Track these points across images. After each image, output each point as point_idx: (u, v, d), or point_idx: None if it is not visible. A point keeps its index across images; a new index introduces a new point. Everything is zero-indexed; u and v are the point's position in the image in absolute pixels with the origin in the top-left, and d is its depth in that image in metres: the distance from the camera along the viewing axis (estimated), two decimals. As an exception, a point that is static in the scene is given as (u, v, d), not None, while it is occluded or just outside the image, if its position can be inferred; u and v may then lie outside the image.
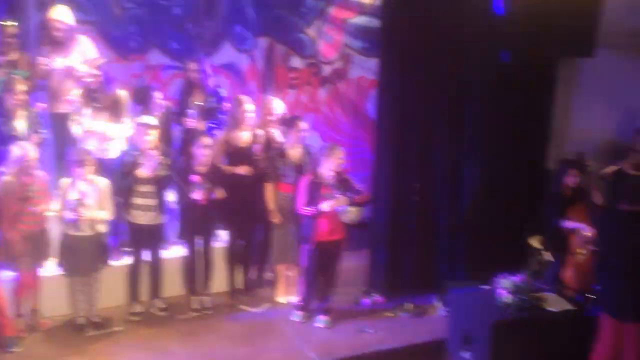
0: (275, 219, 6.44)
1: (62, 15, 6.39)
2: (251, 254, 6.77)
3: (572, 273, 6.34)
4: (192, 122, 6.65)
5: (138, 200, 6.08)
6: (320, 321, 6.28)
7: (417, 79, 6.62)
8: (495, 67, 6.78)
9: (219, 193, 6.13)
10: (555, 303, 5.79)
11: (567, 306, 5.79)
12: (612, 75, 7.87)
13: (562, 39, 6.74)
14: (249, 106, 6.44)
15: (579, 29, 6.78)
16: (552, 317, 5.65)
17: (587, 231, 6.19)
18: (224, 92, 6.99)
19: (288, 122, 6.68)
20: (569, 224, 6.34)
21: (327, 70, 7.35)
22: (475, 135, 6.89)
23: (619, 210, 5.10)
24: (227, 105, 6.79)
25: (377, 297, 6.84)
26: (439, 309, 6.66)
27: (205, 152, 6.12)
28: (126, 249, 6.36)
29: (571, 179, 6.43)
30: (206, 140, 6.21)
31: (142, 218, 6.11)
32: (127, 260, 6.30)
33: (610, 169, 7.09)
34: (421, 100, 6.66)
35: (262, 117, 6.69)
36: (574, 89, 7.96)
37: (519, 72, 6.86)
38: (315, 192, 6.01)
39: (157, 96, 6.64)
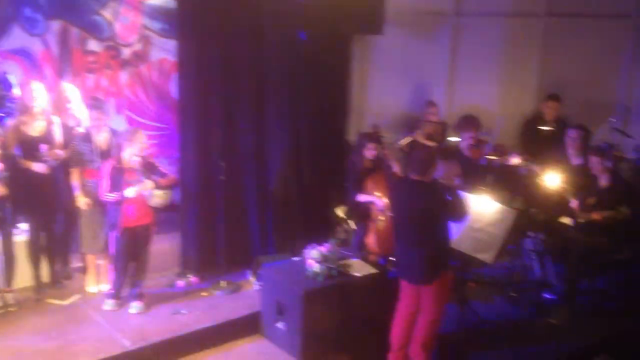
0: (83, 205, 6.25)
1: None
2: (54, 244, 6.52)
3: (374, 239, 6.70)
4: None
5: None
6: (134, 307, 6.19)
7: (218, 59, 6.66)
8: (294, 46, 7.00)
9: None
10: (360, 268, 6.11)
11: (371, 270, 6.13)
12: (402, 51, 8.40)
13: (354, 18, 7.11)
14: (40, 93, 6.15)
15: (369, 8, 7.17)
16: (357, 281, 5.95)
17: (381, 203, 6.59)
18: (13, 79, 6.61)
19: (91, 107, 6.49)
20: (365, 194, 6.71)
21: (126, 52, 7.17)
22: (278, 112, 7.06)
23: (409, 179, 5.35)
24: (17, 93, 6.43)
25: (192, 278, 6.85)
26: (253, 283, 6.78)
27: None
28: None
29: (369, 151, 6.77)
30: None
31: None
32: None
33: (405, 140, 7.57)
34: (223, 80, 6.71)
35: (58, 103, 6.42)
36: (369, 65, 8.41)
37: (317, 50, 7.13)
38: (119, 177, 5.89)
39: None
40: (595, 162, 6.30)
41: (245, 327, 6.20)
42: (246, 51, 6.79)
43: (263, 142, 7.08)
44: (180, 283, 6.80)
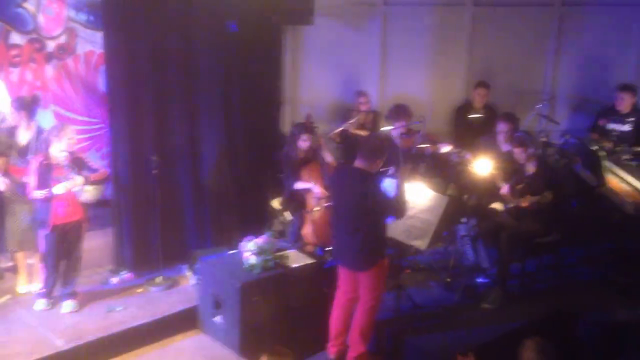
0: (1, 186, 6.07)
1: None
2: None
3: (310, 230, 6.75)
4: None
5: None
6: (66, 306, 6.05)
7: (147, 51, 6.55)
8: (225, 37, 6.94)
9: None
10: (296, 259, 6.11)
11: (308, 261, 6.13)
12: (334, 42, 8.43)
13: (284, 8, 7.11)
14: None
15: (298, -1, 7.18)
16: (294, 272, 5.95)
17: (318, 190, 6.63)
18: None
19: (16, 103, 6.31)
20: (301, 184, 6.74)
21: (51, 45, 6.96)
22: (210, 104, 7.00)
23: (352, 166, 5.37)
24: None
25: (126, 275, 6.75)
26: (190, 278, 6.72)
27: None
28: None
29: (303, 142, 6.79)
30: None
31: None
32: None
33: (336, 131, 7.62)
34: (153, 72, 6.61)
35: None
36: (301, 55, 8.40)
37: (248, 41, 7.09)
38: (47, 174, 5.74)
39: None
40: (518, 152, 6.46)
41: (182, 322, 6.14)
42: (176, 42, 6.69)
43: (196, 134, 7.00)
44: (115, 280, 6.68)
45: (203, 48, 6.86)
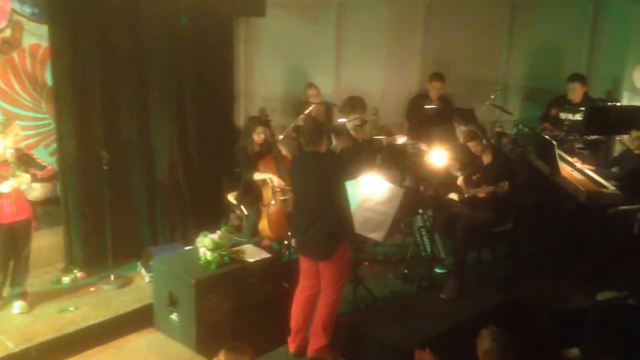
0: None
1: None
2: None
3: (266, 224, 6.70)
4: None
5: None
6: (16, 307, 5.88)
7: (95, 44, 6.39)
8: (176, 29, 6.82)
9: None
10: (253, 254, 6.03)
11: (265, 255, 6.06)
12: (288, 34, 8.38)
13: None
14: None
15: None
16: (251, 267, 5.89)
17: (276, 182, 6.58)
18: None
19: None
20: (258, 175, 6.68)
21: (-4, 39, 6.75)
22: (162, 98, 6.87)
23: (304, 152, 5.39)
24: None
25: (78, 273, 6.59)
26: (144, 275, 6.60)
27: None
28: None
29: (258, 135, 6.75)
30: None
31: None
32: None
33: (290, 128, 7.56)
34: (101, 65, 6.45)
35: None
36: (256, 48, 8.32)
37: (199, 34, 6.98)
38: (-7, 171, 5.58)
39: None
40: (472, 146, 6.49)
41: (137, 320, 6.02)
42: (124, 35, 6.54)
43: (148, 129, 6.86)
44: (66, 279, 6.52)
45: (153, 40, 6.71)
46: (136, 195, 6.92)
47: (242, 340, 4.57)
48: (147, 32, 6.69)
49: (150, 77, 6.77)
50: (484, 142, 6.47)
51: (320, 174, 5.24)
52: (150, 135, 6.89)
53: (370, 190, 5.88)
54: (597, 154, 8.03)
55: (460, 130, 7.16)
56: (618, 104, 8.17)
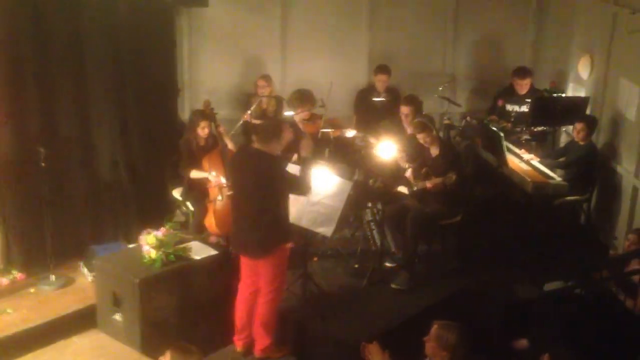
0: None
1: None
2: None
3: (213, 219, 6.57)
4: None
5: None
6: (-50, 311, 5.66)
7: (28, 34, 6.11)
8: (115, 19, 6.61)
9: None
10: (199, 251, 5.90)
11: (211, 252, 5.94)
12: (233, 25, 8.26)
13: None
14: None
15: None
16: (197, 264, 5.76)
17: (216, 178, 6.45)
18: None
19: None
20: (196, 173, 6.56)
21: None
22: (102, 91, 6.65)
23: (251, 147, 5.33)
24: None
25: (17, 274, 6.34)
26: (86, 275, 6.40)
27: None
28: None
29: (202, 130, 6.63)
30: None
31: None
32: None
33: (238, 126, 7.44)
34: (36, 58, 6.18)
35: None
36: (200, 39, 8.17)
37: (140, 24, 6.79)
38: None
39: None
40: (421, 137, 6.48)
41: (79, 322, 5.85)
42: (62, 24, 6.29)
43: (87, 124, 6.62)
44: (4, 281, 6.26)
45: (91, 30, 6.49)
46: (76, 192, 6.68)
47: (189, 339, 4.48)
48: (86, 22, 6.44)
49: (88, 68, 6.53)
50: (434, 133, 6.46)
51: (260, 175, 5.16)
52: (90, 129, 6.65)
53: (318, 185, 5.80)
54: (543, 145, 8.13)
55: (404, 114, 7.10)
56: (563, 95, 8.27)
